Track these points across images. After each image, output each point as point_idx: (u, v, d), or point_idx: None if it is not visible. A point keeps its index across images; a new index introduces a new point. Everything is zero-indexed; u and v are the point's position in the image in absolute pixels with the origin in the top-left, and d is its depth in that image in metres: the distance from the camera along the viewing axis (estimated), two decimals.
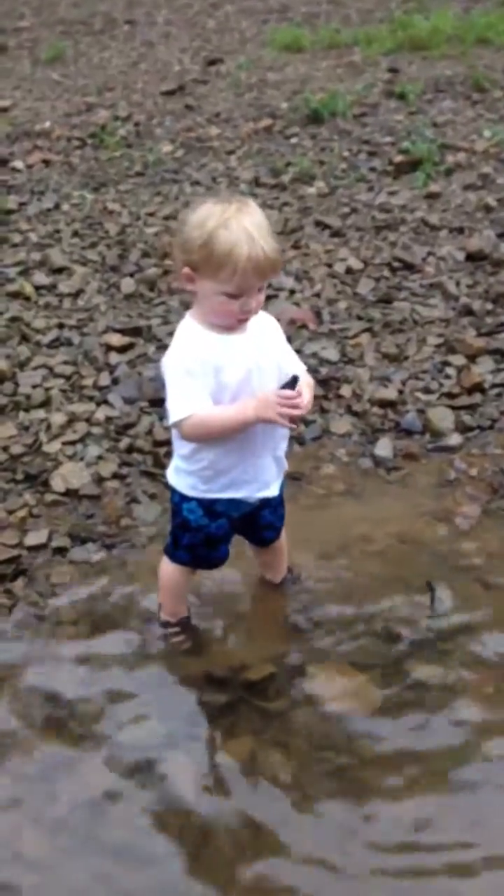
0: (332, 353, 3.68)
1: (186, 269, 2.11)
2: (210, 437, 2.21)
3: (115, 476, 3.08)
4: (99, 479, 3.05)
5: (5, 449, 3.16)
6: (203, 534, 2.36)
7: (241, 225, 2.04)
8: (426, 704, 2.34)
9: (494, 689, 2.38)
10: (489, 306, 3.95)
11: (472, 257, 4.27)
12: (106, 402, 3.38)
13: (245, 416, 2.14)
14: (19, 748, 2.22)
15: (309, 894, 1.93)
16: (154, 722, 2.28)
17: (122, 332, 3.73)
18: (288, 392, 2.10)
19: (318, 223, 4.58)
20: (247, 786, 2.14)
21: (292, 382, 2.13)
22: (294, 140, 5.47)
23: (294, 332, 3.78)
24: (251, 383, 2.19)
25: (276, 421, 2.13)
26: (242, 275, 2.05)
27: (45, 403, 3.36)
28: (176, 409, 2.16)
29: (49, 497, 2.98)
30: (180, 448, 2.31)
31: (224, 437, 2.20)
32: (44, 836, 2.02)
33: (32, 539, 2.81)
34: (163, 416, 3.33)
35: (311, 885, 1.95)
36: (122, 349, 3.65)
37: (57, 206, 4.79)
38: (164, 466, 3.12)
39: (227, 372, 2.17)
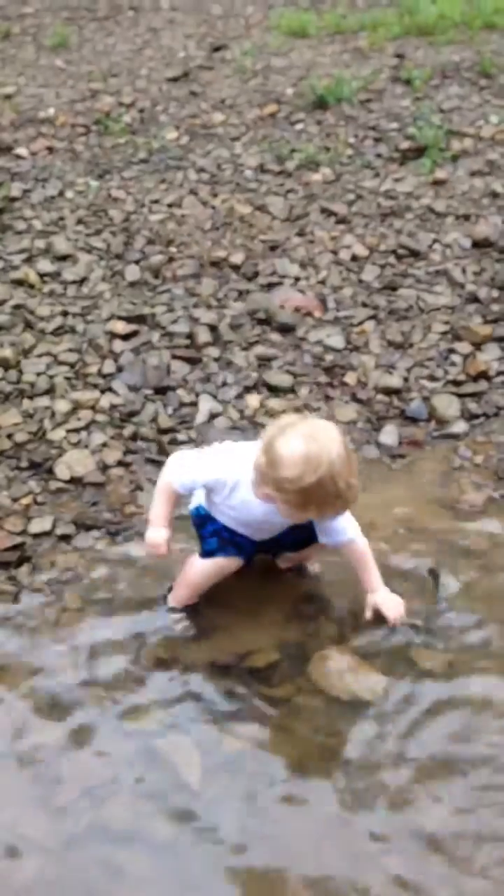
0: (337, 341, 3.67)
1: (269, 490, 2.21)
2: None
3: (120, 463, 3.08)
4: (103, 467, 3.05)
5: (10, 437, 3.16)
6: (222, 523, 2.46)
7: (333, 479, 2.13)
8: (430, 691, 2.34)
9: (498, 675, 2.38)
10: (495, 293, 3.93)
11: (478, 244, 4.25)
12: (110, 389, 3.38)
13: (150, 521, 2.44)
14: (23, 734, 2.23)
15: (312, 880, 1.93)
16: (158, 708, 2.29)
17: (127, 319, 3.72)
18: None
19: (323, 210, 4.55)
20: (251, 772, 2.15)
21: None
22: (299, 126, 5.44)
23: (299, 319, 3.77)
24: (257, 530, 2.44)
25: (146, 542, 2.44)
26: (319, 515, 2.27)
27: (50, 391, 3.36)
28: (177, 459, 2.43)
29: (54, 484, 2.98)
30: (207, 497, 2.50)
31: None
32: (48, 823, 2.03)
33: (37, 526, 2.82)
34: (167, 404, 3.33)
35: (314, 870, 1.95)
36: (127, 337, 3.64)
37: (61, 194, 4.76)
38: (168, 454, 3.11)
39: (243, 518, 2.40)
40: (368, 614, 2.48)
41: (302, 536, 2.51)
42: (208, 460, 2.38)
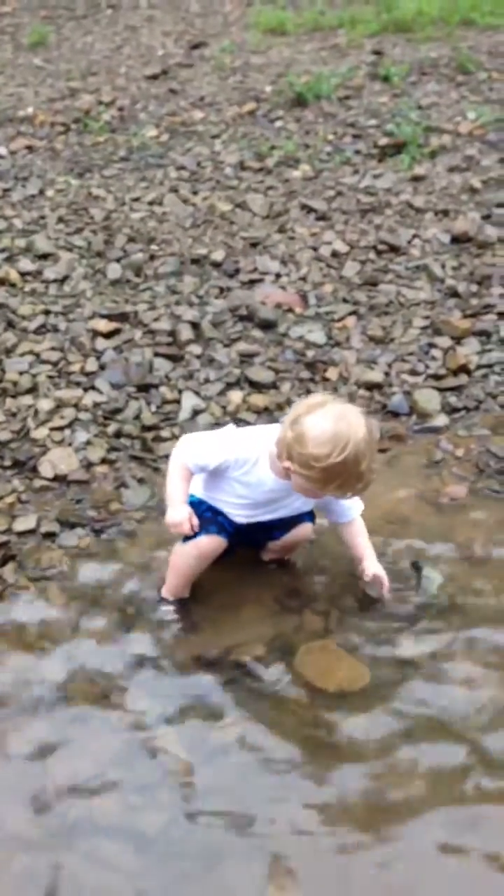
0: (318, 336, 3.69)
1: (292, 466, 2.26)
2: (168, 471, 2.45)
3: (104, 461, 3.08)
4: (87, 465, 3.06)
5: None
6: (206, 506, 2.49)
7: (357, 461, 2.19)
8: (415, 682, 2.36)
9: (482, 666, 2.41)
10: (474, 288, 3.96)
11: (457, 239, 4.28)
12: (93, 387, 3.38)
13: (167, 502, 2.39)
14: (11, 730, 2.23)
15: (300, 872, 1.95)
16: (146, 702, 2.29)
17: (109, 317, 3.73)
18: (377, 594, 2.54)
19: (303, 207, 4.58)
20: (238, 764, 2.16)
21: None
22: (279, 124, 5.46)
23: (280, 315, 3.78)
24: (259, 509, 2.47)
25: (167, 522, 2.39)
26: (339, 494, 2.31)
27: (33, 390, 3.36)
28: (181, 449, 2.41)
29: (37, 483, 2.99)
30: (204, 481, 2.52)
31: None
32: (36, 818, 2.04)
33: (21, 524, 2.82)
34: (150, 401, 3.34)
35: (302, 862, 1.97)
36: (109, 335, 3.64)
37: (41, 192, 4.76)
38: (151, 451, 3.14)
39: (250, 495, 2.43)
40: (369, 576, 2.55)
41: (288, 518, 2.55)
42: (227, 439, 2.42)
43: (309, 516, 2.59)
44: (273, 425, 2.50)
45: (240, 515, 2.50)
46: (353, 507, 2.54)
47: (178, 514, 2.36)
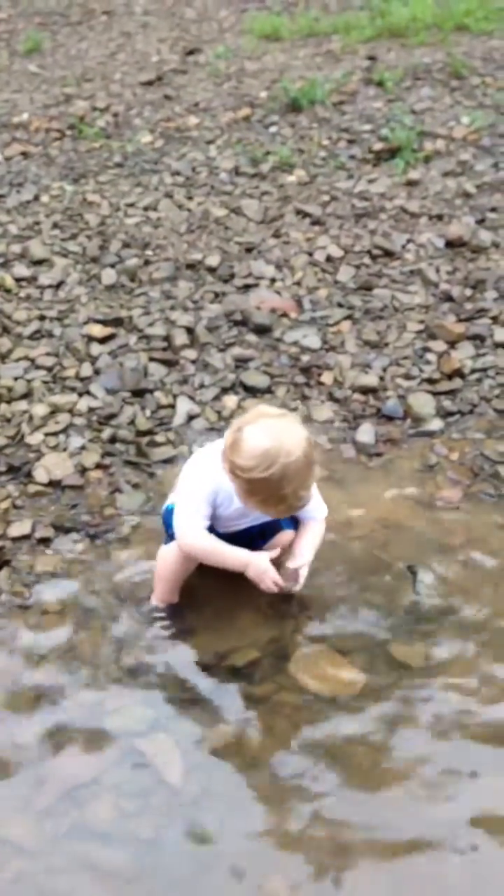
0: (313, 341, 3.69)
1: (225, 468, 2.27)
2: (197, 557, 2.42)
3: (99, 466, 3.08)
4: (82, 470, 3.06)
5: None
6: None
7: (281, 483, 2.17)
8: (410, 686, 2.36)
9: (477, 669, 2.41)
10: (468, 292, 3.97)
11: (451, 244, 4.29)
12: (88, 392, 3.39)
13: (237, 564, 2.37)
14: (4, 736, 2.23)
15: (293, 877, 1.95)
16: (140, 707, 2.30)
17: (104, 322, 3.73)
18: (286, 585, 2.40)
19: (298, 211, 4.58)
20: (232, 769, 2.16)
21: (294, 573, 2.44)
22: (273, 129, 5.46)
23: (275, 320, 3.79)
24: (232, 521, 2.47)
25: (258, 586, 2.36)
26: (261, 509, 2.31)
27: (28, 395, 3.36)
28: (185, 527, 2.37)
29: (32, 488, 2.99)
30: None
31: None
32: (30, 823, 2.04)
33: (16, 530, 2.82)
34: (145, 406, 3.34)
35: (295, 868, 1.97)
36: (104, 340, 3.65)
37: (36, 198, 4.77)
38: (146, 456, 3.14)
39: (223, 514, 2.43)
40: (295, 563, 2.45)
41: (269, 527, 2.55)
42: (199, 483, 2.40)
43: (288, 522, 2.58)
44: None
45: (218, 526, 2.50)
46: (316, 510, 2.51)
47: (261, 563, 2.34)
